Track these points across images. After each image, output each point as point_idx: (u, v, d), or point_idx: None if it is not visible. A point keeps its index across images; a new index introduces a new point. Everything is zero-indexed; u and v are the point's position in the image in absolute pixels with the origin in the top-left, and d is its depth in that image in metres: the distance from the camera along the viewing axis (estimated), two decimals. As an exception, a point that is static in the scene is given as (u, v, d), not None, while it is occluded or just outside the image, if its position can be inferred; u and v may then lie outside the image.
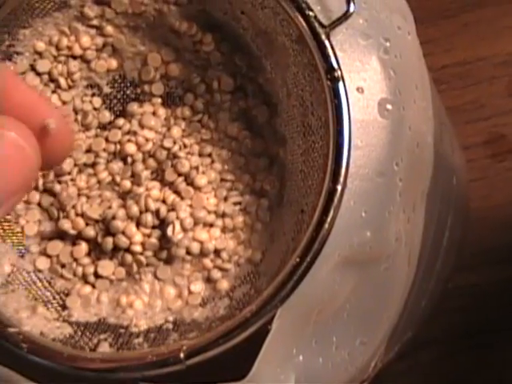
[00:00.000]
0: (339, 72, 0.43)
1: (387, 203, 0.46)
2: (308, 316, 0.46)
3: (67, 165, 0.50)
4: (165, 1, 0.50)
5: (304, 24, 0.45)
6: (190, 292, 0.48)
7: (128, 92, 0.52)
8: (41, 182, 0.50)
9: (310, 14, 0.44)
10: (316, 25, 0.44)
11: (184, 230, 0.48)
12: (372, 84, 0.46)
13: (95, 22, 0.51)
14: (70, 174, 0.50)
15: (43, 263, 0.50)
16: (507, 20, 0.73)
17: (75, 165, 0.51)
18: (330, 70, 0.44)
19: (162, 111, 0.51)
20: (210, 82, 0.51)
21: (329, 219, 0.43)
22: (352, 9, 0.44)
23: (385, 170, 0.45)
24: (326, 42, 0.44)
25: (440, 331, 0.68)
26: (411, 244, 0.49)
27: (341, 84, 0.43)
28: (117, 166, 0.51)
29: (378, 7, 0.47)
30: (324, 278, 0.45)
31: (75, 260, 0.49)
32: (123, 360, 0.44)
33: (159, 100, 0.52)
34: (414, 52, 0.48)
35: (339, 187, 0.43)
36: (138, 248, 0.48)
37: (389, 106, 0.46)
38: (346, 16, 0.45)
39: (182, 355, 0.43)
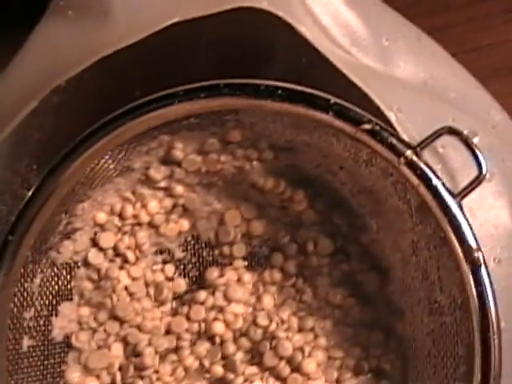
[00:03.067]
0: (481, 254, 0.36)
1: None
2: None
3: (148, 357, 0.43)
4: (246, 157, 0.42)
5: (428, 191, 0.37)
6: None
7: (204, 254, 0.45)
8: (118, 377, 0.43)
9: (437, 180, 0.37)
10: (445, 193, 0.37)
11: (302, 429, 0.41)
12: (509, 250, 0.39)
13: (163, 184, 0.43)
14: (151, 367, 0.43)
15: None
16: None
17: (156, 352, 0.43)
18: (469, 250, 0.37)
19: (247, 277, 0.45)
20: (303, 241, 0.44)
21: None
22: (485, 170, 0.37)
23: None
24: (460, 215, 0.37)
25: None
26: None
27: (483, 269, 0.36)
28: (203, 347, 0.43)
29: (500, 149, 0.40)
30: None
31: None
32: None
33: (242, 263, 0.44)
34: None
35: (492, 386, 0.36)
36: None
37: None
38: (478, 180, 0.38)
39: None
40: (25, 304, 0.42)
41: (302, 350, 0.43)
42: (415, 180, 0.38)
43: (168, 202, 0.44)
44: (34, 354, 0.43)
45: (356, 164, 0.41)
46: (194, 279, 0.45)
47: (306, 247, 0.44)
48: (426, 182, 0.38)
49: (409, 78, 0.43)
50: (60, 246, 0.43)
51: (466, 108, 0.43)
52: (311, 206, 0.43)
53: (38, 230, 0.41)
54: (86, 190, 0.42)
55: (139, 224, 0.44)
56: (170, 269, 0.45)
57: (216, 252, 0.45)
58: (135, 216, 0.44)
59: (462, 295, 0.38)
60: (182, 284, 0.45)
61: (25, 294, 0.42)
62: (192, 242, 0.45)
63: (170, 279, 0.45)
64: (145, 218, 0.44)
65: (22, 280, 0.41)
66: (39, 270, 0.42)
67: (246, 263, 0.45)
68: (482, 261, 0.37)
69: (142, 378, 0.43)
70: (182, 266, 0.45)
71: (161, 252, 0.45)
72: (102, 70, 0.40)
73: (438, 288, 0.40)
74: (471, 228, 0.37)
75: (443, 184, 0.38)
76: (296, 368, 0.43)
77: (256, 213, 0.44)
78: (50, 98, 0.41)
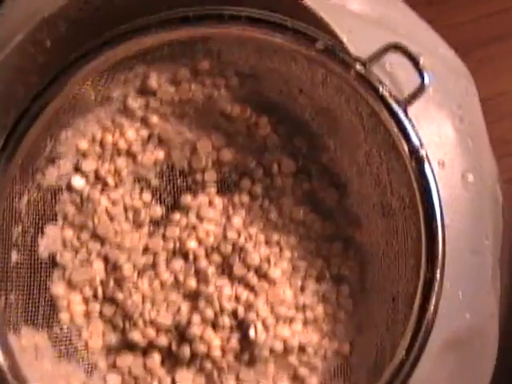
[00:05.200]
0: (424, 151, 0.41)
1: (482, 280, 0.44)
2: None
3: (127, 270, 0.46)
4: (214, 85, 0.47)
5: (377, 101, 0.42)
6: (277, 393, 0.45)
7: (178, 182, 0.49)
8: (100, 290, 0.47)
9: (385, 90, 0.41)
10: (392, 102, 0.41)
11: (266, 329, 0.44)
12: (452, 157, 0.43)
13: (139, 114, 0.47)
14: (130, 279, 0.47)
15: (114, 379, 0.46)
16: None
17: (134, 268, 0.47)
18: (414, 149, 0.41)
19: (218, 200, 0.48)
20: (269, 165, 0.48)
21: (431, 308, 0.40)
22: (427, 80, 0.42)
23: (476, 246, 0.43)
24: (405, 120, 0.41)
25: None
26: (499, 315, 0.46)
27: (427, 165, 0.41)
28: (178, 264, 0.47)
29: (445, 74, 0.45)
30: (428, 366, 0.42)
31: (149, 371, 0.46)
32: None
33: (213, 188, 0.48)
34: (480, 114, 0.46)
35: (438, 275, 0.40)
36: (217, 353, 0.45)
37: (471, 178, 0.44)
38: (421, 89, 0.42)
39: None
40: (13, 221, 0.45)
41: (268, 260, 0.46)
42: (365, 91, 0.42)
43: (144, 132, 0.48)
44: (21, 268, 0.46)
45: (313, 86, 0.45)
46: (169, 205, 0.49)
47: (271, 169, 0.48)
48: (375, 91, 0.42)
49: (363, 14, 0.47)
50: (45, 170, 0.47)
51: (415, 43, 0.47)
52: (274, 130, 0.47)
53: (26, 150, 0.45)
54: (69, 118, 0.46)
55: (118, 152, 0.48)
56: (146, 195, 0.49)
57: (189, 179, 0.49)
58: (114, 144, 0.48)
59: (410, 193, 0.42)
60: (157, 210, 0.49)
61: (13, 211, 0.45)
62: (167, 171, 0.49)
63: (147, 205, 0.49)
64: (123, 146, 0.48)
65: (11, 197, 0.45)
66: (26, 191, 0.46)
67: (216, 189, 0.49)
68: (425, 158, 0.41)
69: (121, 290, 0.47)
70: (158, 194, 0.49)
71: (138, 180, 0.49)
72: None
73: (389, 191, 0.44)
74: (417, 132, 0.42)
75: (390, 93, 0.42)
76: (263, 276, 0.46)
77: (225, 141, 0.48)
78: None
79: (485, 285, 0.43)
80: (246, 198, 0.48)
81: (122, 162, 0.48)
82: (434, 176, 0.41)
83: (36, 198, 0.47)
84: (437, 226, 0.41)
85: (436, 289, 0.40)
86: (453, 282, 0.42)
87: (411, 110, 0.42)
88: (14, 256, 0.46)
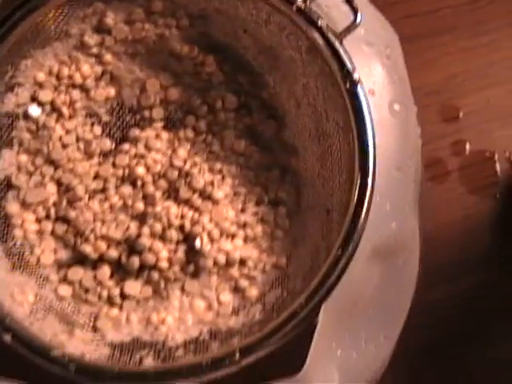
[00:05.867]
0: (357, 75, 0.46)
1: (405, 196, 0.49)
2: (344, 310, 0.47)
3: (80, 190, 0.50)
4: (166, 25, 0.51)
5: (316, 34, 0.47)
6: (219, 303, 0.49)
7: (127, 119, 0.53)
8: (52, 210, 0.50)
9: (323, 23, 0.47)
10: (329, 34, 0.47)
11: (212, 240, 0.48)
12: (381, 87, 0.49)
13: (95, 51, 0.52)
14: (82, 200, 0.50)
15: (65, 290, 0.49)
16: (431, 53, 0.78)
17: (86, 191, 0.50)
18: (348, 73, 0.46)
19: (164, 135, 0.52)
20: (213, 102, 0.52)
21: (364, 211, 0.45)
22: (359, 18, 0.48)
23: (401, 164, 0.49)
24: (341, 49, 0.47)
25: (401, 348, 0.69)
26: (418, 240, 0.51)
27: (360, 86, 0.46)
28: (127, 189, 0.51)
29: (372, 18, 0.51)
30: (358, 270, 0.47)
31: (99, 283, 0.49)
32: (176, 369, 0.44)
33: (160, 124, 0.52)
34: (402, 60, 0.52)
35: (369, 181, 0.45)
36: (164, 264, 0.49)
37: (396, 107, 0.49)
38: (355, 25, 0.48)
39: (237, 355, 0.43)
40: (-26, 140, 0.49)
41: (212, 183, 0.51)
42: (305, 25, 0.48)
43: (98, 69, 0.52)
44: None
45: (257, 25, 0.50)
46: (118, 140, 0.53)
47: (215, 106, 0.52)
48: (314, 25, 0.47)
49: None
50: (4, 97, 0.50)
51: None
52: (220, 68, 0.52)
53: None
54: (30, 48, 0.50)
55: (73, 85, 0.52)
56: (97, 129, 0.53)
57: (137, 116, 0.53)
58: (70, 77, 0.52)
59: (344, 115, 0.47)
60: (107, 143, 0.53)
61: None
62: (117, 108, 0.53)
63: (98, 138, 0.52)
64: (78, 79, 0.52)
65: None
66: (-14, 115, 0.49)
67: (163, 125, 0.53)
68: (358, 80, 0.47)
69: (73, 209, 0.50)
70: (107, 128, 0.53)
71: (90, 116, 0.53)
72: None
73: (324, 118, 0.49)
74: (349, 57, 0.47)
75: (327, 25, 0.47)
76: (207, 198, 0.50)
77: (173, 81, 0.53)
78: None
79: (408, 199, 0.49)
80: (190, 133, 0.52)
81: (76, 94, 0.51)
82: (365, 96, 0.46)
83: (-6, 123, 0.50)
84: (368, 140, 0.46)
85: (368, 194, 0.45)
86: (381, 195, 0.48)
87: (345, 45, 0.48)
88: (-28, 174, 0.48)
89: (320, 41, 0.47)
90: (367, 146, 0.46)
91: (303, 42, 0.48)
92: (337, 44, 0.47)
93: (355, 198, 0.45)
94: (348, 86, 0.46)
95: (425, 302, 0.56)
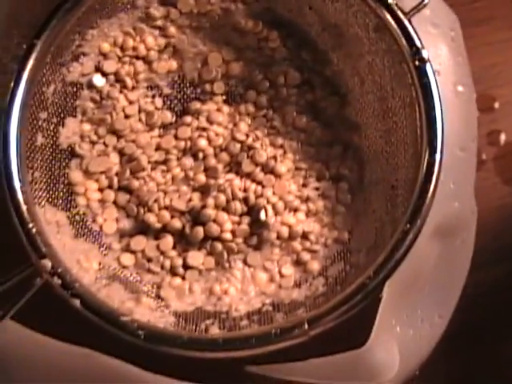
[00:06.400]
0: (426, 53, 0.47)
1: (468, 176, 0.49)
2: (405, 287, 0.48)
3: (143, 160, 0.50)
4: (232, -1, 0.52)
5: (385, 12, 0.48)
6: (281, 275, 0.49)
7: (188, 92, 0.53)
8: (115, 180, 0.50)
9: (392, 1, 0.47)
10: (398, 12, 0.47)
11: (276, 213, 0.49)
12: (446, 68, 0.50)
13: (159, 23, 0.52)
14: (145, 170, 0.50)
15: (128, 259, 0.49)
16: (469, 43, 0.78)
17: (148, 162, 0.51)
18: (417, 51, 0.47)
19: (225, 108, 0.53)
20: (274, 77, 0.53)
21: (431, 188, 0.45)
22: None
23: (464, 145, 0.49)
24: (410, 27, 0.47)
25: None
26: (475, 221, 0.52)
27: (428, 64, 0.46)
28: (188, 161, 0.51)
29: (436, 0, 0.51)
30: (420, 247, 0.47)
31: (162, 253, 0.49)
32: (245, 337, 0.44)
33: (221, 98, 0.53)
34: (463, 44, 0.52)
35: (438, 157, 0.46)
36: (228, 235, 0.49)
37: (460, 88, 0.50)
38: (423, 4, 0.48)
39: (305, 325, 0.44)
40: (41, 106, 0.49)
41: (274, 157, 0.51)
42: (374, 2, 0.48)
43: (162, 41, 0.53)
44: (44, 151, 0.49)
45: (323, 2, 0.51)
46: (179, 113, 0.53)
47: (277, 81, 0.53)
48: (383, 2, 0.48)
49: None
50: (70, 66, 0.50)
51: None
52: (283, 44, 0.52)
53: (58, 41, 0.48)
54: (97, 19, 0.50)
55: (137, 57, 0.52)
56: (158, 101, 0.53)
57: (198, 90, 0.53)
58: (134, 49, 0.52)
59: (411, 92, 0.47)
60: (168, 115, 0.53)
61: (41, 97, 0.49)
62: (178, 81, 0.53)
63: (159, 110, 0.53)
64: (142, 51, 0.52)
65: (41, 84, 0.48)
66: (53, 81, 0.49)
67: (224, 99, 0.53)
68: (427, 58, 0.47)
69: (136, 179, 0.50)
70: (168, 101, 0.53)
71: (152, 87, 0.53)
72: None
73: (390, 96, 0.49)
74: (419, 37, 0.47)
75: (396, 4, 0.48)
76: (270, 172, 0.51)
77: (235, 55, 0.53)
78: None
79: (470, 180, 0.49)
80: (251, 108, 0.53)
81: (139, 65, 0.52)
82: (434, 74, 0.47)
83: (60, 90, 0.50)
84: (437, 117, 0.46)
85: (436, 170, 0.45)
86: (446, 174, 0.48)
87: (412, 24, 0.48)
88: (40, 138, 0.49)
89: (389, 19, 0.47)
90: (436, 122, 0.46)
91: (371, 20, 0.48)
92: (406, 22, 0.47)
93: (423, 173, 0.45)
94: (417, 63, 0.47)
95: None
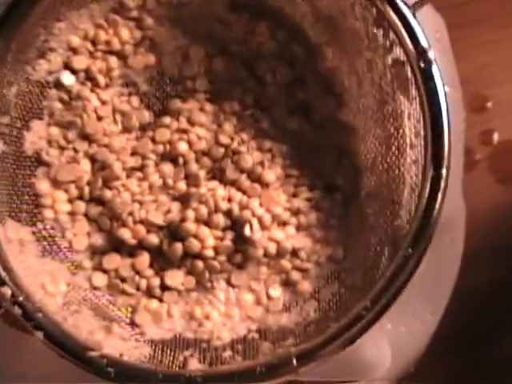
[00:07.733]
0: (433, 53, 0.41)
1: (455, 175, 0.47)
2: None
3: (116, 168, 0.45)
4: (213, -12, 0.46)
5: (385, 4, 0.42)
6: (269, 297, 0.45)
7: (168, 89, 0.48)
8: (86, 190, 0.45)
9: (394, -7, 0.42)
10: (401, 5, 0.42)
11: (263, 227, 0.44)
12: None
13: (135, 14, 0.47)
14: (119, 179, 0.45)
15: (100, 279, 0.45)
16: (461, 43, 0.73)
17: (123, 169, 0.46)
18: (423, 52, 0.42)
19: (208, 107, 0.48)
20: (262, 74, 0.48)
21: (437, 206, 0.41)
22: (431, -8, 0.43)
23: (452, 144, 0.44)
24: (415, 23, 0.42)
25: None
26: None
27: (435, 66, 0.41)
28: (167, 167, 0.46)
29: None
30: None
31: (137, 273, 0.45)
32: (226, 373, 0.40)
33: (204, 96, 0.48)
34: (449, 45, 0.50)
35: (444, 172, 0.41)
36: (210, 252, 0.44)
37: (446, 89, 0.44)
38: (426, -1, 0.43)
39: (294, 362, 0.39)
40: (2, 109, 0.44)
41: (261, 163, 0.46)
42: (373, -8, 0.42)
43: (137, 34, 0.47)
44: (6, 159, 0.44)
45: (316, -9, 0.45)
46: (158, 112, 0.48)
47: (265, 79, 0.47)
48: (384, -7, 0.42)
49: None
50: (35, 64, 0.45)
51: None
52: (272, 37, 0.47)
53: (20, 37, 0.43)
54: (65, 11, 0.45)
55: (110, 52, 0.47)
56: (135, 100, 0.48)
57: (179, 87, 0.48)
58: (107, 42, 0.47)
59: (416, 95, 0.42)
60: (146, 115, 0.48)
61: (2, 99, 0.44)
62: (157, 77, 0.48)
63: (135, 109, 0.48)
64: (116, 45, 0.47)
65: (2, 85, 0.43)
66: (16, 81, 0.44)
67: (207, 96, 0.48)
68: (434, 59, 0.42)
69: (109, 189, 0.45)
70: (146, 100, 0.48)
71: (127, 85, 0.48)
72: None
73: (390, 99, 0.44)
74: (426, 36, 0.42)
75: (398, -5, 0.42)
76: (256, 180, 0.46)
77: (219, 49, 0.48)
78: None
79: (458, 179, 0.48)
80: (236, 107, 0.48)
81: (113, 61, 0.47)
82: (441, 78, 0.42)
83: (24, 91, 0.45)
84: (443, 126, 0.41)
85: (442, 185, 0.41)
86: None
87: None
88: (1, 146, 0.44)
89: (390, 12, 0.42)
90: (443, 132, 0.41)
91: (370, 13, 0.43)
92: (410, 17, 0.42)
93: (428, 190, 0.41)
94: (422, 65, 0.41)
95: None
